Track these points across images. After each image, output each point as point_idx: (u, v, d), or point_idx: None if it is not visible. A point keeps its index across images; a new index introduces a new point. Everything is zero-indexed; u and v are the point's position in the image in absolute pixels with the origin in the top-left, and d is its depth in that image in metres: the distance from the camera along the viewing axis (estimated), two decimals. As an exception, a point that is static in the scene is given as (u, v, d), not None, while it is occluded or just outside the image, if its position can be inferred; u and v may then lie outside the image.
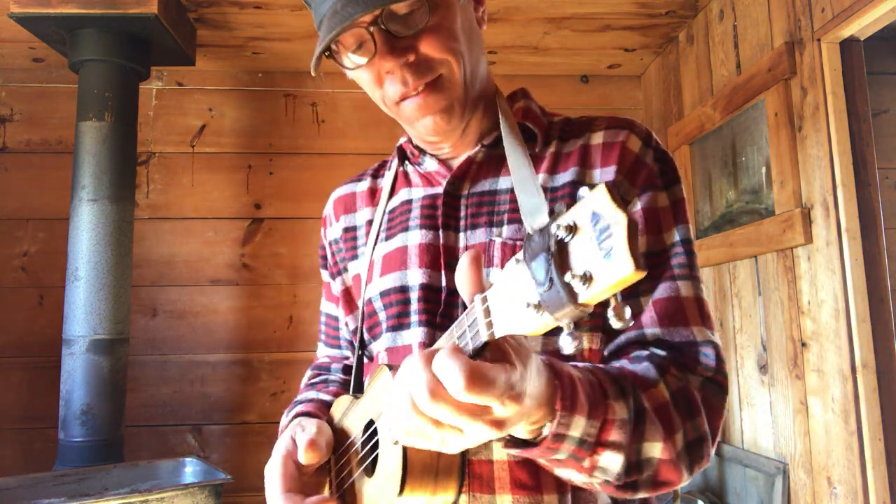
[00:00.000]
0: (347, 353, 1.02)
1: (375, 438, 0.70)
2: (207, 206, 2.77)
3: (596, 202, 0.41)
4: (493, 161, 0.87)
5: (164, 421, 2.63)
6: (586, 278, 0.41)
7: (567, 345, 0.45)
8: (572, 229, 0.43)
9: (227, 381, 2.68)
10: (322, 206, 1.06)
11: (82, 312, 2.11)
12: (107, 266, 2.14)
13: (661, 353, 0.74)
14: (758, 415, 2.09)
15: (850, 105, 1.75)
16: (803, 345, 1.86)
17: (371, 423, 0.73)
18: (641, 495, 0.68)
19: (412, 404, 0.52)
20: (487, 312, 0.51)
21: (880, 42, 2.70)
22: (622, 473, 0.64)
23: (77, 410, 2.08)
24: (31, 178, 2.70)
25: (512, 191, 0.82)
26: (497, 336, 0.50)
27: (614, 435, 0.62)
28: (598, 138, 0.83)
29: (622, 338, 0.77)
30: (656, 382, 0.69)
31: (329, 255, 1.01)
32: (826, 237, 1.76)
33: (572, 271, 0.42)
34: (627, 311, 0.43)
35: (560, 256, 0.43)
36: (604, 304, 0.43)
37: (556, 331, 0.46)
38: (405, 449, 0.63)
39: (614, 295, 0.42)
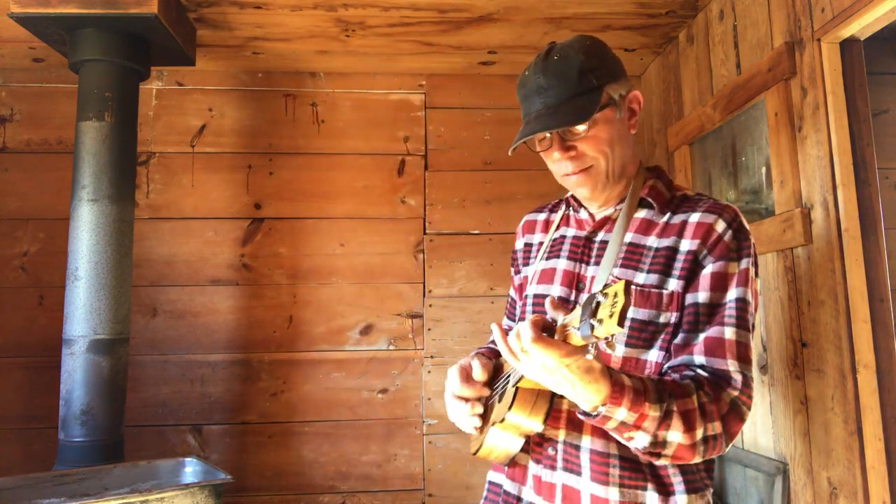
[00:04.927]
0: None
1: (508, 381, 1.16)
2: (207, 206, 2.77)
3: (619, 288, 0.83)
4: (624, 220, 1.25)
5: (164, 421, 2.63)
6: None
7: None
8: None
9: (227, 381, 2.68)
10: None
11: (82, 312, 2.11)
12: (107, 266, 2.15)
13: (704, 374, 1.09)
14: (758, 415, 2.09)
15: (850, 105, 1.75)
16: (803, 345, 1.86)
17: (508, 373, 1.19)
18: (662, 462, 1.06)
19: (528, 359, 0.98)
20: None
21: (880, 42, 2.70)
22: (648, 446, 1.02)
23: (77, 410, 2.08)
24: (31, 178, 2.70)
25: (629, 242, 1.20)
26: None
27: (646, 423, 1.00)
28: (695, 217, 1.17)
29: (677, 359, 1.12)
30: (690, 394, 1.04)
31: (518, 258, 1.44)
32: (826, 237, 1.76)
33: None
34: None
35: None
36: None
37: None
38: (516, 389, 1.10)
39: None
